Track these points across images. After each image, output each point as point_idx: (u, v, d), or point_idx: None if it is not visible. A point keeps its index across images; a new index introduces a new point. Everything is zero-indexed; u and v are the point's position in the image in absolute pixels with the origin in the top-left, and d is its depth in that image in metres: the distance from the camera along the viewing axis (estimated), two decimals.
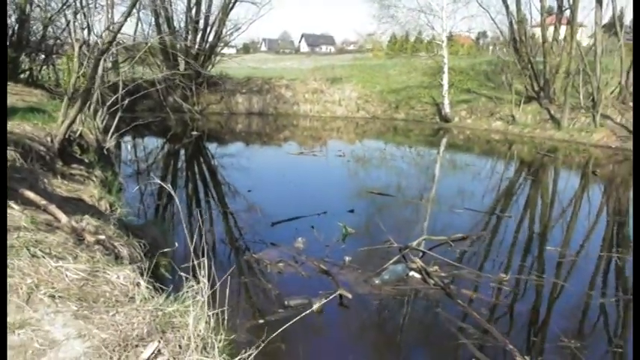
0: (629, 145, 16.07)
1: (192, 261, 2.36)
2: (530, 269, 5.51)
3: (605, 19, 20.40)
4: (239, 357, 1.95)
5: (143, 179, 9.51)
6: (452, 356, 3.64)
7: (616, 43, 19.51)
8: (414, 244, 5.64)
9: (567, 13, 20.32)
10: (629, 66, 18.35)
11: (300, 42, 75.91)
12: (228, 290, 2.45)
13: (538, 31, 21.97)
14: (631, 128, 16.96)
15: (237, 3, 21.86)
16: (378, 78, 26.21)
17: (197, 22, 21.31)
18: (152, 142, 15.76)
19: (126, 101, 10.54)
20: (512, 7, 20.28)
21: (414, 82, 25.16)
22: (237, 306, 2.70)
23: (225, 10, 21.47)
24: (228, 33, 22.79)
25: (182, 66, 20.37)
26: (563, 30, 20.62)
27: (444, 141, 18.21)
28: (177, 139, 15.79)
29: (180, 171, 11.59)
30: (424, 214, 7.68)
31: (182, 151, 14.24)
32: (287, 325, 2.36)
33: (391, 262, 5.14)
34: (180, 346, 1.91)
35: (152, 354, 1.82)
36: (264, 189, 8.90)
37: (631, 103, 18.28)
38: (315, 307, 4.08)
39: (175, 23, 21.23)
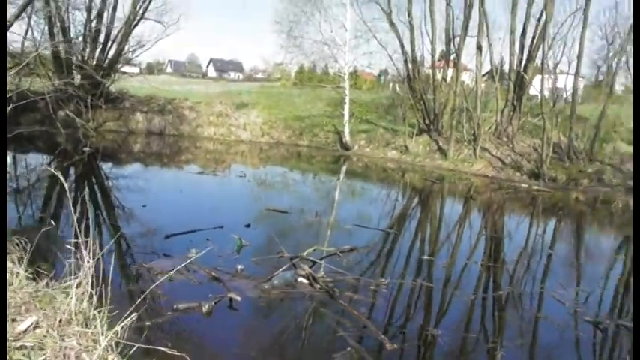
0: (503, 174, 18.19)
1: (76, 256, 2.46)
2: (408, 275, 6.13)
3: (488, 67, 23.01)
4: (120, 324, 2.09)
5: (22, 198, 8.90)
6: (331, 347, 3.98)
7: (493, 87, 22.13)
8: (304, 253, 5.99)
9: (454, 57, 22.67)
10: (503, 106, 20.92)
11: (207, 66, 75.23)
12: (111, 294, 2.56)
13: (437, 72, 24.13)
14: (505, 161, 19.25)
15: (143, 20, 21.38)
16: (284, 105, 26.91)
17: (97, 35, 20.45)
18: (37, 159, 14.62)
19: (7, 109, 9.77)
20: (408, 48, 22.13)
21: (318, 112, 26.19)
22: (122, 309, 2.74)
23: (129, 25, 20.89)
24: (131, 50, 22.12)
25: (77, 79, 19.32)
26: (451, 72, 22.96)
27: (344, 168, 19.15)
28: (67, 157, 14.79)
29: (69, 192, 10.88)
30: (318, 230, 8.11)
31: (71, 170, 13.32)
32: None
33: (281, 269, 5.42)
34: (60, 320, 2.01)
35: (30, 326, 1.91)
36: (161, 206, 8.80)
37: (505, 138, 20.78)
38: (205, 308, 4.21)
39: (73, 34, 20.16)
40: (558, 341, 4.65)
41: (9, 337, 1.75)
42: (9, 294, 2.16)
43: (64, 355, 1.95)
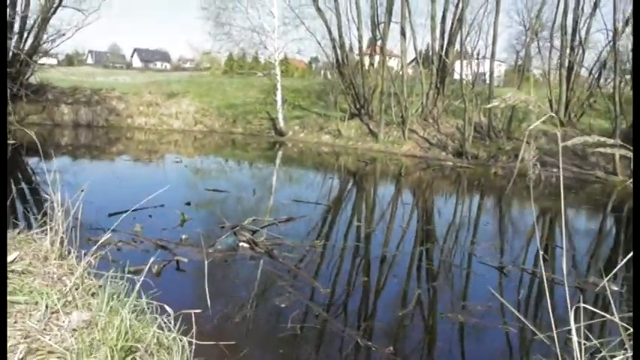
0: (430, 154, 19.48)
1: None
2: (339, 239, 6.81)
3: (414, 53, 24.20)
4: (89, 257, 2.51)
5: None
6: (273, 293, 4.53)
7: (419, 72, 23.43)
8: (245, 222, 6.48)
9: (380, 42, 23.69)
10: (428, 89, 22.26)
11: (132, 57, 72.26)
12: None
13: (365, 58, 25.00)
14: (431, 141, 20.60)
15: (61, 8, 20.46)
16: (215, 94, 26.82)
17: (12, 24, 19.35)
18: None
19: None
20: (336, 34, 22.83)
21: (251, 99, 26.38)
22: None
23: (46, 13, 19.92)
24: (50, 39, 21.12)
25: None
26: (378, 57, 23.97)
27: (280, 153, 19.61)
28: None
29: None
30: (256, 206, 8.60)
31: None
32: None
33: (224, 236, 5.88)
34: (38, 256, 2.40)
35: (15, 258, 2.29)
36: (99, 191, 8.86)
37: (431, 120, 22.17)
38: (154, 269, 4.61)
39: None
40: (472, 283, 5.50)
41: None
42: None
43: (49, 277, 2.33)
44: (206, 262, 4.20)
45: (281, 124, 22.69)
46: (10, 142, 15.07)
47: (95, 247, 2.85)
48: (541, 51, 21.86)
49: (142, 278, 2.81)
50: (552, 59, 20.29)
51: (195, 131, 22.99)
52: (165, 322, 2.36)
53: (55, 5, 20.03)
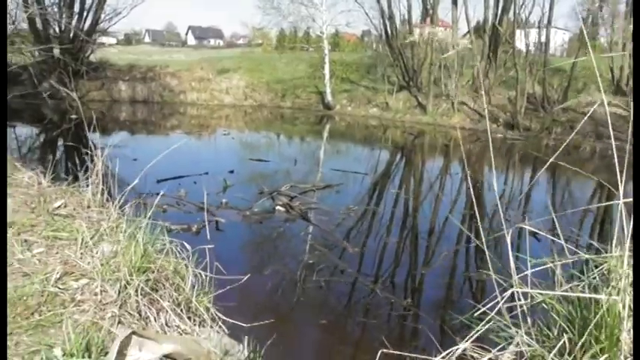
0: (480, 126, 18.95)
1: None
2: (374, 204, 6.94)
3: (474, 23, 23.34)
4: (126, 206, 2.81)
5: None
6: (303, 251, 4.77)
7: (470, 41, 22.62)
8: (283, 188, 6.75)
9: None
10: (479, 60, 21.48)
11: (187, 35, 74.10)
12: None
13: (415, 29, 24.42)
14: (482, 113, 20.00)
15: None
16: (265, 69, 27.15)
17: (72, 4, 20.42)
18: (25, 132, 15.02)
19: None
20: (384, 4, 22.37)
21: (300, 74, 26.50)
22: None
23: None
24: (107, 18, 22.13)
25: (57, 51, 19.46)
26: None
27: (327, 127, 19.77)
28: (54, 127, 15.22)
29: (60, 160, 11.43)
30: (298, 174, 8.85)
31: (60, 141, 13.76)
32: None
33: (261, 200, 6.18)
34: (81, 205, 2.72)
35: (61, 205, 2.61)
36: (151, 160, 9.41)
37: (482, 92, 21.47)
38: (194, 228, 4.95)
39: (48, 2, 20.12)
40: None
41: (48, 209, 2.44)
42: (39, 191, 2.84)
43: (89, 221, 2.66)
44: (241, 223, 4.46)
45: (329, 97, 22.74)
46: (73, 116, 16.16)
47: (133, 200, 3.16)
48: (604, 17, 20.45)
49: (180, 231, 3.08)
50: (616, 27, 18.96)
51: (245, 106, 23.52)
52: (183, 257, 2.64)
53: None
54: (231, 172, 8.26)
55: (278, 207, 6.03)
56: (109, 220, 2.87)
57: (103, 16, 21.67)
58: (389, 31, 22.97)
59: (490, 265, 2.10)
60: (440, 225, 6.22)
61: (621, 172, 1.95)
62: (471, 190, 7.02)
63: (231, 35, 72.26)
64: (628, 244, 1.75)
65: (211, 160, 10.09)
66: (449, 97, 20.76)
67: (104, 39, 25.33)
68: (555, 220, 2.39)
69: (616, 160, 2.17)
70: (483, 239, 2.07)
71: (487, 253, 2.15)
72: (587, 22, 22.84)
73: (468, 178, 9.50)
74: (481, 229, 2.30)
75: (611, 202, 1.96)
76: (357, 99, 23.48)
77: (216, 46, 62.72)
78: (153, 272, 2.32)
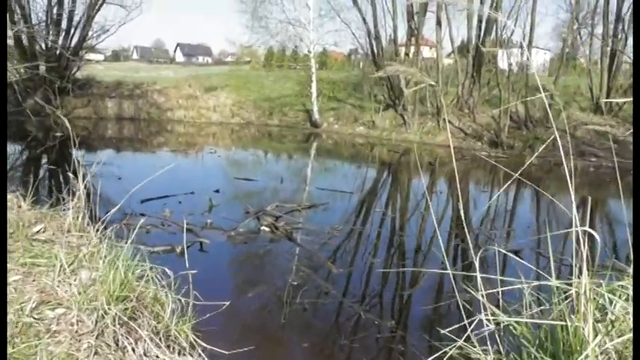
0: (465, 144, 19.19)
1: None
2: (359, 224, 6.95)
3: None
4: (108, 230, 2.78)
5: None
6: (288, 272, 4.75)
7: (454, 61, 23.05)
8: (268, 208, 6.73)
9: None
10: (463, 79, 21.85)
11: (175, 51, 74.26)
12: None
13: (401, 49, 24.75)
14: (466, 131, 20.28)
15: (105, 4, 21.37)
16: (253, 87, 27.30)
17: (59, 21, 20.38)
18: (8, 149, 14.77)
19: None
20: (371, 25, 22.71)
21: (287, 92, 26.69)
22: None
23: (92, 9, 20.85)
24: (95, 35, 22.12)
25: (42, 69, 19.34)
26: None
27: (314, 144, 19.85)
28: (38, 145, 15.01)
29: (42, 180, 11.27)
30: (285, 193, 8.84)
31: (44, 159, 13.55)
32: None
33: (247, 220, 6.15)
34: (61, 229, 2.68)
35: (40, 229, 2.57)
36: (135, 179, 9.34)
37: (467, 110, 21.78)
38: (178, 250, 4.90)
39: (35, 20, 20.08)
40: None
41: (27, 235, 2.40)
42: (18, 215, 2.81)
43: (69, 246, 2.62)
44: (225, 244, 4.43)
45: (316, 115, 22.88)
46: (58, 134, 16.01)
47: (116, 223, 3.14)
48: (583, 38, 21.04)
49: (160, 253, 3.06)
50: (595, 47, 19.51)
51: (233, 123, 23.54)
52: (163, 284, 2.61)
53: (99, 2, 20.92)
54: (217, 191, 8.22)
55: (263, 227, 6.01)
56: (89, 245, 2.84)
57: (90, 33, 21.67)
58: (375, 51, 23.30)
59: (457, 288, 2.11)
60: (426, 244, 6.24)
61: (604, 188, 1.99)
62: (461, 209, 7.07)
63: (220, 53, 72.57)
64: (585, 270, 1.78)
65: (197, 178, 10.04)
66: (434, 116, 21.05)
67: (91, 55, 25.22)
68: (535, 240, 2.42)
69: (569, 177, 2.21)
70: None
71: (458, 276, 2.17)
72: (567, 42, 23.45)
73: (454, 196, 9.59)
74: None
75: (569, 230, 1.97)
76: (344, 117, 23.67)
77: (205, 64, 62.91)
78: (131, 301, 2.28)
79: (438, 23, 21.44)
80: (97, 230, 2.98)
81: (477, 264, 1.91)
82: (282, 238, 5.79)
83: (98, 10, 21.17)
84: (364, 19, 22.62)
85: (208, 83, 26.24)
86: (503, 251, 2.35)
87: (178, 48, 73.81)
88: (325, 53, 41.91)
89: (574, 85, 21.06)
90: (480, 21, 21.49)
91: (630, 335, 1.59)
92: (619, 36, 18.26)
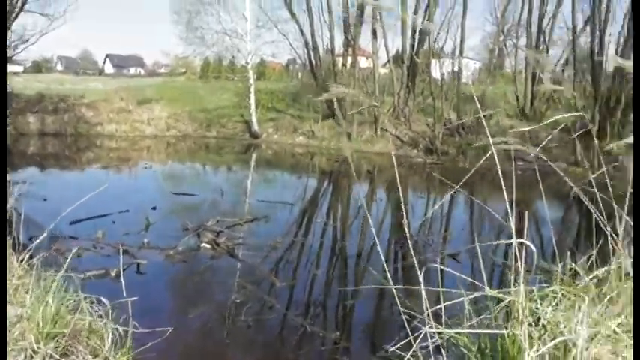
0: (402, 152, 19.81)
1: None
2: (301, 234, 6.98)
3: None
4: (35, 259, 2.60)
5: None
6: (231, 289, 4.66)
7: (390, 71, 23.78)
8: (208, 223, 6.58)
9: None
10: (399, 88, 22.59)
11: (104, 63, 71.13)
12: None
13: (338, 59, 25.12)
14: (403, 139, 20.95)
15: (23, 13, 20.10)
16: (189, 98, 26.68)
17: None
18: None
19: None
20: (308, 36, 22.95)
21: (225, 103, 26.33)
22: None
23: (8, 17, 19.52)
24: (13, 45, 20.73)
25: None
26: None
27: (254, 156, 19.69)
28: None
29: None
30: (225, 206, 8.69)
31: None
32: None
33: (185, 238, 5.97)
34: None
35: None
36: (64, 199, 8.83)
37: (403, 119, 22.50)
38: (113, 273, 4.67)
39: None
40: None
41: None
42: None
43: None
44: (164, 264, 4.29)
45: (255, 126, 22.76)
46: None
47: (43, 250, 2.94)
48: (509, 49, 22.48)
49: (92, 279, 2.90)
50: (519, 57, 20.89)
51: (168, 137, 22.88)
52: (101, 314, 2.48)
53: (16, 10, 19.63)
54: (154, 208, 7.92)
55: (203, 244, 5.86)
56: (14, 278, 2.63)
57: (7, 42, 20.26)
58: (313, 61, 23.56)
59: (398, 299, 2.16)
60: (367, 252, 6.36)
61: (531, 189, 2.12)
62: (405, 220, 7.27)
63: (153, 64, 70.30)
64: (522, 279, 1.89)
65: (132, 195, 9.62)
66: (371, 125, 21.58)
67: (9, 67, 23.59)
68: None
69: (504, 187, 2.35)
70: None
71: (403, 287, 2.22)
72: (494, 53, 24.94)
73: (393, 203, 9.86)
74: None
75: (509, 240, 2.09)
76: (283, 127, 23.70)
77: (137, 75, 60.69)
78: (64, 336, 2.14)
79: (374, 34, 22.07)
80: (22, 260, 2.77)
81: (421, 278, 1.97)
82: (223, 254, 5.68)
83: (16, 18, 19.87)
84: (302, 31, 22.86)
85: (141, 95, 25.33)
86: (442, 267, 2.43)
87: (108, 59, 70.74)
88: (263, 64, 41.78)
89: (500, 92, 22.35)
90: (413, 32, 22.36)
91: (562, 338, 1.70)
92: (540, 47, 19.64)
